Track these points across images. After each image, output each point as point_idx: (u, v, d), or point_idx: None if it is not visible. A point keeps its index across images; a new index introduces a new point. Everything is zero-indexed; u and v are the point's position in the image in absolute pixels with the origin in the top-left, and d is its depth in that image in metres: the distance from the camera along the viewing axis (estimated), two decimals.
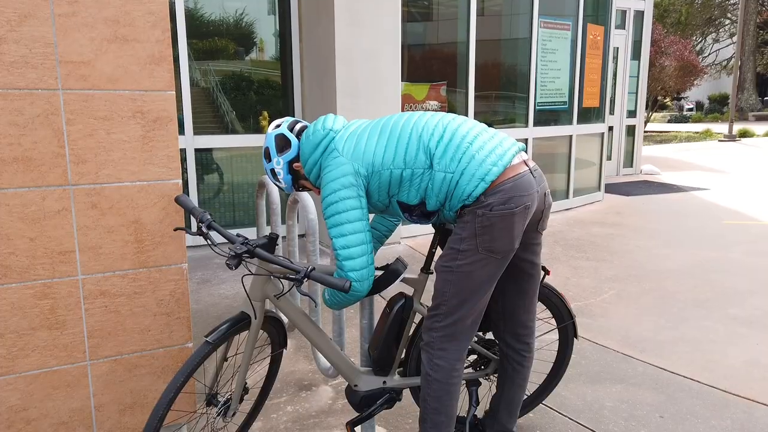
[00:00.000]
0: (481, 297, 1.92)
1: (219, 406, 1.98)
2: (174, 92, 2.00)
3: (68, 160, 1.87)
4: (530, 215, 1.89)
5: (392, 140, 1.91)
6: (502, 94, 6.01)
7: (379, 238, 2.36)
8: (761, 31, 31.52)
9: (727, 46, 32.01)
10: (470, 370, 2.34)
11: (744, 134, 18.57)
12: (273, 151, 2.00)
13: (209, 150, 4.85)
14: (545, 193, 1.96)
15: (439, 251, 2.37)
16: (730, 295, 4.02)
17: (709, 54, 32.50)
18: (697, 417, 2.50)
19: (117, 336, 2.01)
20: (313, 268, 1.69)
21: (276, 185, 2.13)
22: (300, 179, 2.08)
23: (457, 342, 1.94)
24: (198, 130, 4.76)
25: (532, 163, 1.94)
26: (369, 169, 1.89)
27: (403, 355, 2.23)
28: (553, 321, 2.90)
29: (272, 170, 2.04)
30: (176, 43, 4.55)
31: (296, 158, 2.02)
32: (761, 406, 2.59)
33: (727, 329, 3.46)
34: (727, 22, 32.35)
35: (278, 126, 2.03)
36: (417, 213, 1.96)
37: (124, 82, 1.92)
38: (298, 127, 2.03)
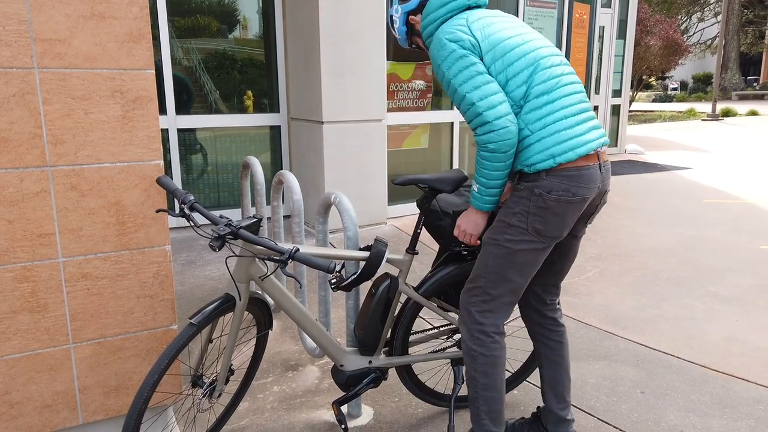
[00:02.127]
0: (521, 278, 1.87)
1: (204, 387, 1.99)
2: (153, 71, 1.96)
3: (46, 140, 1.83)
4: (584, 208, 1.83)
5: (511, 53, 1.80)
6: None
7: None
8: (745, 11, 31.62)
9: (712, 25, 32.09)
10: (455, 348, 2.37)
11: (727, 113, 18.73)
12: None
13: (192, 130, 4.78)
14: (606, 191, 1.89)
15: (424, 232, 2.36)
16: (710, 273, 4.08)
17: (694, 33, 32.57)
18: (677, 392, 2.56)
19: (100, 319, 1.99)
20: (298, 249, 1.69)
21: (393, 33, 2.11)
22: (414, 35, 2.04)
23: (493, 316, 1.90)
24: (180, 110, 4.68)
25: (605, 158, 1.85)
26: (480, 48, 1.79)
27: (388, 335, 2.25)
28: None
29: (391, 17, 2.04)
30: (156, 21, 4.44)
31: (415, 11, 1.97)
32: (739, 381, 2.65)
33: (707, 306, 3.52)
34: (712, 1, 32.37)
35: None
36: None
37: (101, 61, 1.88)
38: None
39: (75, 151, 1.87)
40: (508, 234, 1.82)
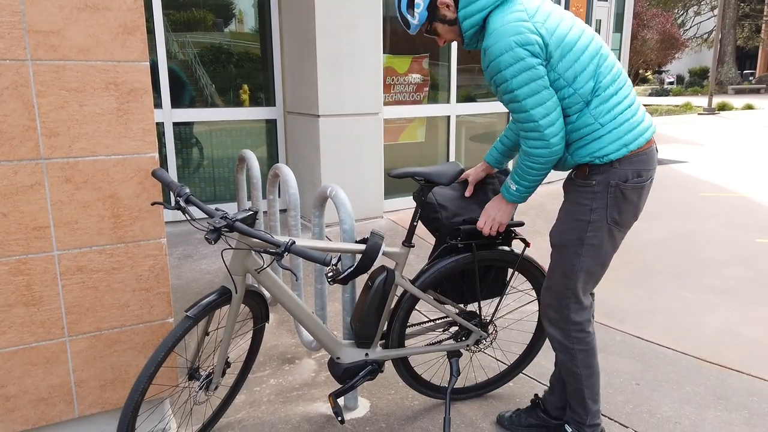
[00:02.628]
0: (603, 269, 1.92)
1: (201, 380, 1.99)
2: (148, 63, 1.94)
3: (40, 133, 1.82)
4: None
5: (576, 48, 1.76)
6: None
7: (508, 150, 2.21)
8: (742, 4, 31.61)
9: (708, 19, 32.08)
10: (451, 341, 2.37)
11: (723, 107, 18.76)
12: None
13: (188, 124, 4.76)
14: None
15: (420, 225, 2.36)
16: (705, 266, 4.10)
17: (691, 27, 32.58)
18: (672, 384, 2.57)
19: (96, 312, 1.99)
20: (294, 242, 1.68)
21: (402, 19, 1.91)
22: (436, 21, 1.87)
23: (585, 311, 1.96)
24: (176, 104, 4.67)
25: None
26: (547, 48, 1.73)
27: (385, 328, 2.25)
28: (533, 293, 2.93)
29: (410, 1, 1.84)
30: (151, 14, 4.42)
31: None
32: (733, 373, 2.67)
33: (702, 299, 3.54)
34: None
35: None
36: None
37: (95, 53, 1.87)
38: None
39: (69, 143, 1.86)
40: (590, 231, 1.86)
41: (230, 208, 4.91)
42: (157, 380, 2.09)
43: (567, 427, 2.09)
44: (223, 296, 1.90)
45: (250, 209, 1.92)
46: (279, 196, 4.57)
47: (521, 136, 1.84)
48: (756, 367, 2.71)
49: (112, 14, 1.87)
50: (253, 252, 1.91)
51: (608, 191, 1.82)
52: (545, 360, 2.76)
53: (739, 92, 28.82)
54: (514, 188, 1.93)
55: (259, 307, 2.11)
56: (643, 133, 1.82)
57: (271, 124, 5.12)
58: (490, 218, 2.02)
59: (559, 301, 1.95)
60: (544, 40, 1.73)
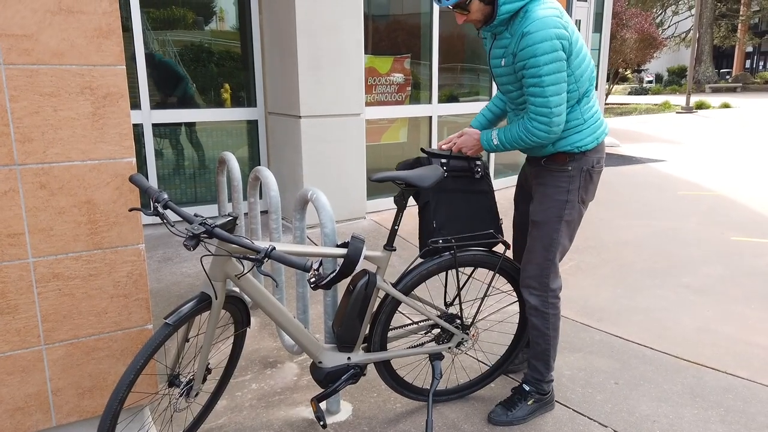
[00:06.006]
0: (571, 242, 2.26)
1: (181, 386, 1.97)
2: (124, 67, 1.92)
3: (13, 138, 1.79)
4: None
5: (582, 52, 2.05)
6: (467, 67, 5.99)
7: (495, 119, 2.44)
8: (718, 4, 32.13)
9: (686, 18, 32.56)
10: (433, 344, 2.38)
11: (700, 106, 19.06)
12: None
13: (168, 125, 4.71)
14: None
15: (402, 227, 2.36)
16: (683, 265, 4.17)
17: (669, 26, 33.03)
18: (650, 382, 2.61)
19: (73, 319, 1.96)
20: (274, 248, 1.67)
21: None
22: None
23: (558, 279, 2.26)
24: (155, 105, 4.61)
25: None
26: (570, 47, 1.98)
27: (367, 331, 2.25)
28: (515, 294, 2.95)
29: None
30: (129, 12, 4.36)
31: None
32: (710, 371, 2.72)
33: (680, 297, 3.59)
34: None
35: None
36: None
37: (70, 57, 1.84)
38: None
39: (44, 149, 1.83)
40: (567, 209, 2.17)
41: (211, 210, 4.87)
42: (137, 388, 2.07)
43: (525, 386, 2.36)
44: (203, 302, 1.88)
45: (229, 214, 1.90)
46: (260, 198, 4.55)
47: (529, 116, 2.03)
48: (732, 364, 2.76)
49: (87, 18, 1.84)
50: (233, 257, 1.89)
51: (580, 175, 2.15)
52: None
53: (716, 91, 29.30)
54: (496, 142, 2.16)
55: (240, 312, 2.10)
56: (605, 127, 2.19)
57: (252, 124, 5.08)
58: (458, 146, 2.23)
59: (540, 271, 2.22)
60: (570, 39, 1.97)
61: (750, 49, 38.49)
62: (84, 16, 1.83)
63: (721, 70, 35.31)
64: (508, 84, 2.12)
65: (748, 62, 39.22)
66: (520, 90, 2.10)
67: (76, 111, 1.86)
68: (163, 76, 4.71)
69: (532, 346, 2.33)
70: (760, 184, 6.95)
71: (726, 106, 19.47)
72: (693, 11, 27.30)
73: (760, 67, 39.05)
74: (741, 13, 32.96)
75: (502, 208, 5.59)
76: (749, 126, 13.61)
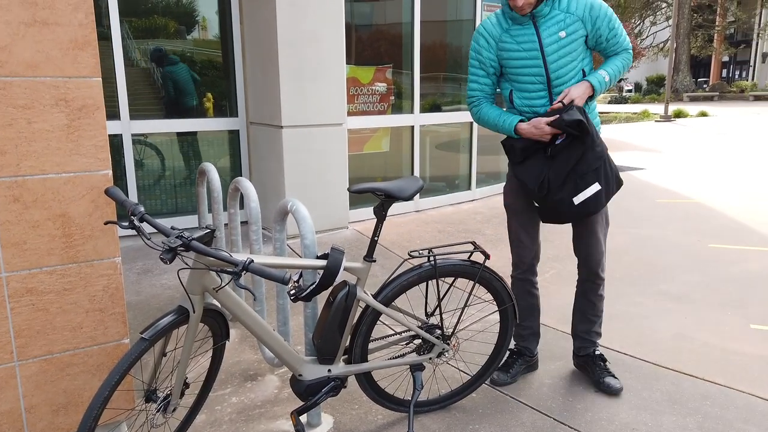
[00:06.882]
0: None
1: (158, 402, 1.94)
2: (100, 79, 1.90)
3: None
4: None
5: None
6: (449, 75, 6.04)
7: None
8: (695, 15, 32.79)
9: (664, 28, 33.14)
10: (414, 354, 2.38)
11: (679, 114, 19.38)
12: None
13: (148, 135, 4.67)
14: None
15: (382, 237, 2.36)
16: (661, 272, 4.22)
17: (647, 36, 33.60)
18: (629, 390, 2.63)
19: (47, 335, 1.93)
20: (252, 261, 1.66)
21: None
22: None
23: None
24: (135, 115, 4.57)
25: None
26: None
27: (348, 343, 2.24)
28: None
29: None
30: (109, 21, 4.32)
31: None
32: (688, 378, 2.75)
33: (659, 305, 3.63)
34: (664, 5, 33.45)
35: None
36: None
37: (45, 69, 1.82)
38: None
39: (17, 161, 1.81)
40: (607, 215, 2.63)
41: (192, 221, 4.83)
42: (112, 404, 2.04)
43: (597, 351, 2.74)
44: (181, 316, 1.86)
45: (207, 227, 1.89)
46: (242, 209, 4.52)
47: (623, 52, 2.49)
48: (710, 371, 2.80)
49: (63, 29, 1.82)
50: (211, 270, 1.88)
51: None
52: None
53: (693, 99, 29.82)
54: (607, 79, 2.43)
55: (218, 325, 2.08)
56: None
57: (233, 134, 5.06)
58: (569, 94, 2.36)
59: (604, 253, 2.61)
60: None
61: (726, 58, 39.32)
62: (59, 27, 1.82)
63: (699, 80, 35.99)
64: (566, 55, 2.38)
65: (724, 71, 40.04)
66: (576, 55, 2.40)
67: (50, 123, 1.84)
68: (177, 83, 4.75)
69: (597, 316, 2.71)
70: (736, 191, 7.08)
71: (703, 114, 19.83)
72: (671, 22, 27.83)
73: (736, 77, 39.88)
74: (717, 23, 33.68)
75: (483, 217, 5.62)
76: (726, 134, 13.87)
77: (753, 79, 35.30)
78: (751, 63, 36.42)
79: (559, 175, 2.33)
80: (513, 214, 2.66)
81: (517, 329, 2.75)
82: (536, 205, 2.51)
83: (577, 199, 2.36)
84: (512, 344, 2.80)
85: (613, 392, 2.58)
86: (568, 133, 2.30)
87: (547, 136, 2.34)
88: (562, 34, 2.36)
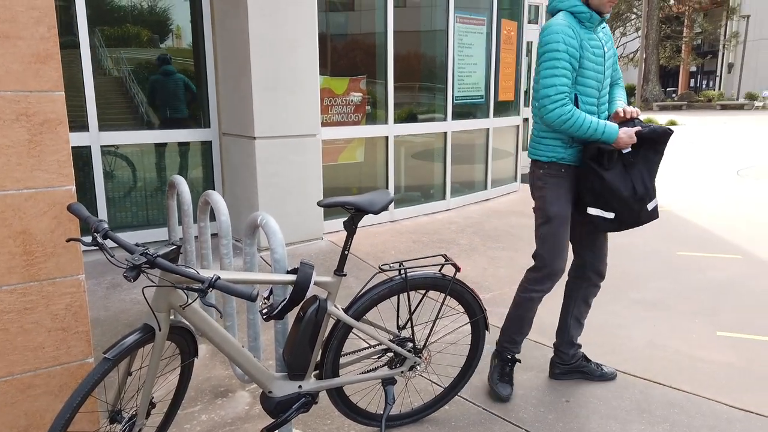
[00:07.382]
0: None
1: (123, 423, 1.90)
2: (63, 93, 1.87)
3: None
4: None
5: None
6: (423, 85, 6.07)
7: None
8: (663, 26, 33.63)
9: (633, 39, 33.93)
10: (385, 368, 2.37)
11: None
12: None
13: (117, 147, 4.59)
14: None
15: (353, 249, 2.36)
16: (633, 280, 4.28)
17: (618, 47, 34.34)
18: (599, 399, 2.66)
19: (6, 355, 1.87)
20: (218, 278, 1.64)
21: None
22: None
23: None
24: (105, 126, 4.49)
25: None
26: None
27: (318, 358, 2.22)
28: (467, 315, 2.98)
29: None
30: (76, 30, 4.25)
31: None
32: (657, 386, 2.79)
33: (631, 313, 3.69)
34: (633, 16, 34.25)
35: None
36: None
37: (5, 83, 1.78)
38: None
39: None
40: None
41: (163, 234, 4.75)
42: (75, 426, 1.98)
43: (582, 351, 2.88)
44: (146, 334, 1.83)
45: (173, 243, 1.86)
46: (213, 221, 4.46)
47: (620, 81, 2.67)
48: (678, 378, 2.84)
49: (24, 43, 1.79)
50: (177, 288, 1.84)
51: None
52: (479, 381, 2.79)
53: (663, 108, 30.52)
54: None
55: (186, 342, 2.04)
56: None
57: (206, 146, 5.01)
58: (632, 111, 2.47)
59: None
60: None
61: (694, 68, 40.39)
62: (21, 41, 1.78)
63: (668, 89, 36.90)
64: (609, 67, 2.50)
65: (692, 81, 41.10)
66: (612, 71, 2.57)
67: (10, 138, 1.80)
68: (173, 93, 4.70)
69: (584, 319, 2.83)
70: (705, 199, 7.25)
71: (673, 123, 20.29)
72: (640, 33, 28.47)
73: (704, 86, 40.96)
74: (684, 34, 34.60)
75: (457, 227, 5.64)
76: (695, 143, 14.20)
77: (720, 88, 36.30)
78: (718, 73, 37.48)
79: (643, 181, 2.42)
80: (562, 222, 2.55)
81: (517, 338, 2.73)
82: (602, 214, 2.49)
83: (651, 205, 2.45)
84: (511, 354, 2.74)
85: (612, 377, 2.84)
86: (660, 142, 2.42)
87: (628, 146, 2.42)
88: (607, 46, 2.50)
